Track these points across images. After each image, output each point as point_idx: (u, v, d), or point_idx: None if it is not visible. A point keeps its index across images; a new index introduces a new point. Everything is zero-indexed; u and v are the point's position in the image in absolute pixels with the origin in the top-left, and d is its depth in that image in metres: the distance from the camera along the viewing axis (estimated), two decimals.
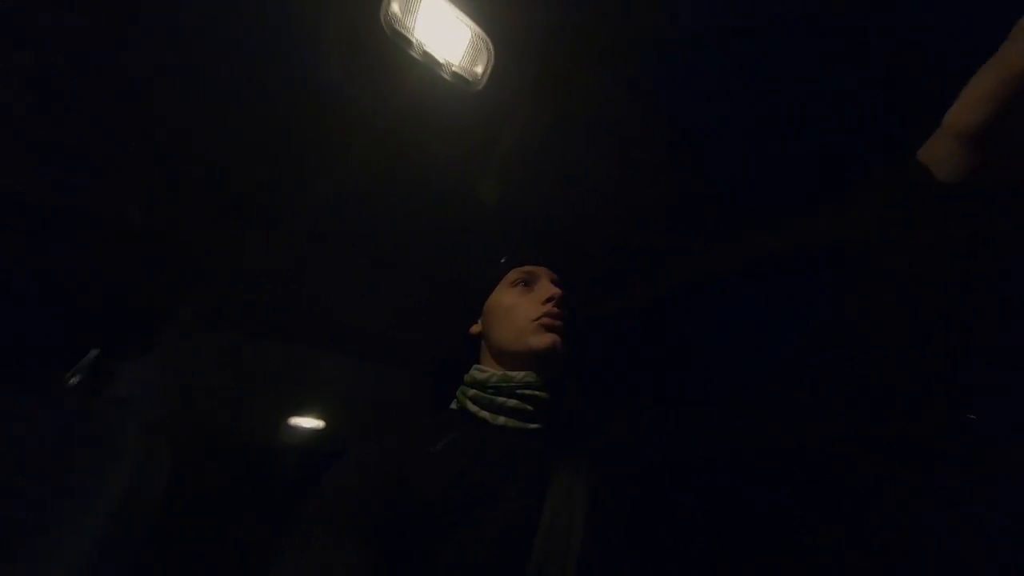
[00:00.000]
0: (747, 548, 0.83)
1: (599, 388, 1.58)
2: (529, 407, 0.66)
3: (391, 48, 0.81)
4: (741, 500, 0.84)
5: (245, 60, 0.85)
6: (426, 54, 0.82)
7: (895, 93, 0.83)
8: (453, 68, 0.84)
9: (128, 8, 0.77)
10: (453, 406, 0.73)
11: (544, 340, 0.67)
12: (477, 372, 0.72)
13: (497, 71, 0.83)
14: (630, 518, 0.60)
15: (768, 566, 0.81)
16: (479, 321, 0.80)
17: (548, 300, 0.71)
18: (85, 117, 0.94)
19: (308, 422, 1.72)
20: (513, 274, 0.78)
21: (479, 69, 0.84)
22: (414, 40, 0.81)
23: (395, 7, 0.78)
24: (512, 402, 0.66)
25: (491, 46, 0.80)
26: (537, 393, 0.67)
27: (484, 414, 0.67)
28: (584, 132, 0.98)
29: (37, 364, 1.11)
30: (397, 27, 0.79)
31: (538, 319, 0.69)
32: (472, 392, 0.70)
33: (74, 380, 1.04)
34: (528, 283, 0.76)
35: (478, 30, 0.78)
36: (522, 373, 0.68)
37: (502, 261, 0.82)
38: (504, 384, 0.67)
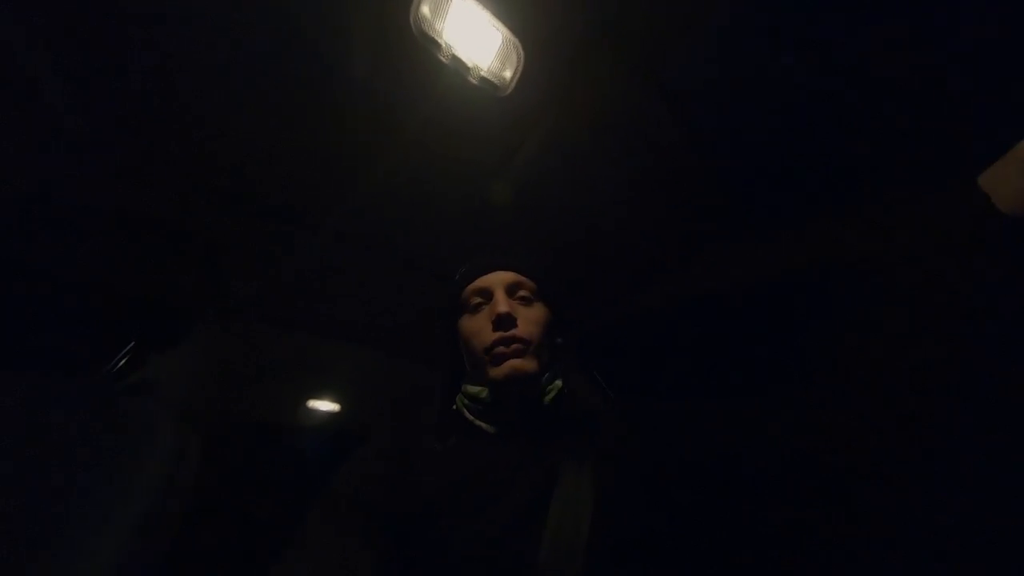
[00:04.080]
0: (753, 547, 0.83)
1: (613, 388, 1.58)
2: (520, 418, 0.66)
3: (420, 51, 0.80)
4: (748, 499, 0.84)
5: (276, 63, 0.85)
6: (455, 58, 0.80)
7: (926, 102, 0.79)
8: (481, 73, 0.82)
9: (159, 7, 0.78)
10: (454, 408, 0.73)
11: (500, 372, 0.64)
12: (469, 385, 0.71)
13: (526, 76, 0.81)
14: (638, 515, 0.61)
15: (774, 565, 0.81)
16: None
17: (496, 325, 0.66)
18: (116, 117, 0.96)
19: (330, 412, 1.78)
20: (467, 295, 0.73)
21: (508, 74, 0.82)
22: (443, 43, 0.79)
23: (425, 9, 0.76)
24: (504, 414, 0.67)
25: (521, 51, 0.78)
26: (526, 405, 0.67)
27: (479, 423, 0.67)
28: (611, 138, 0.95)
29: (73, 356, 1.16)
30: (426, 30, 0.78)
31: (490, 350, 0.65)
32: (467, 402, 0.70)
33: (112, 370, 1.09)
34: (483, 300, 0.71)
35: (509, 34, 0.76)
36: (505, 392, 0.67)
37: (454, 280, 0.76)
38: (492, 400, 0.67)
